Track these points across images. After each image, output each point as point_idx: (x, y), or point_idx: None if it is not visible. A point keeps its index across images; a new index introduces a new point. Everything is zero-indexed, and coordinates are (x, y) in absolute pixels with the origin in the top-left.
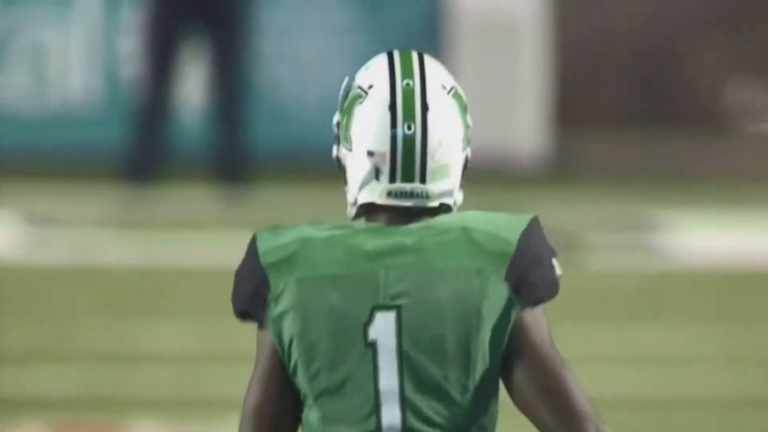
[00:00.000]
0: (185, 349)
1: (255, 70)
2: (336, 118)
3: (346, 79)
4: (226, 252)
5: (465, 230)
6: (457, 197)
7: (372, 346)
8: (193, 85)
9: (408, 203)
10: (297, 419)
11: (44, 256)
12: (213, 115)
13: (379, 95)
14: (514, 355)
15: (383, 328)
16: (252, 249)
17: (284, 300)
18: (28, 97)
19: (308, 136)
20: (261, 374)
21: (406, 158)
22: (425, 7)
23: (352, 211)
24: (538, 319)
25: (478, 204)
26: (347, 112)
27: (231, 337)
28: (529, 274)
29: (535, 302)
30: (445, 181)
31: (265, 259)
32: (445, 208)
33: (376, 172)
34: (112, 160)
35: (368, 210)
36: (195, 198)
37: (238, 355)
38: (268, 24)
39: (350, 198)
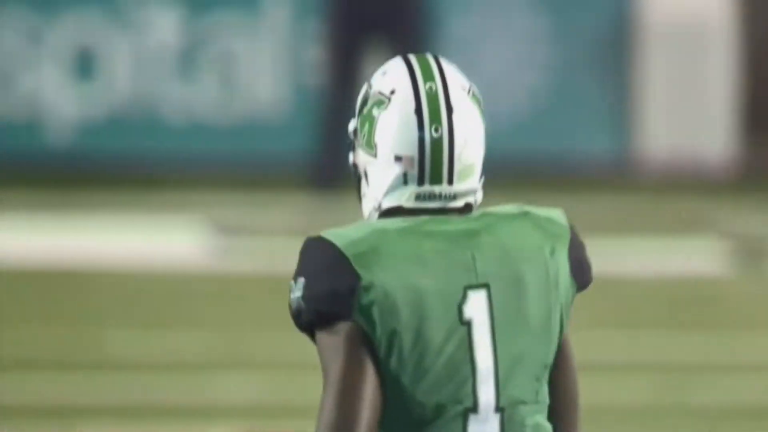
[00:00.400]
0: None
1: None
2: (353, 125)
3: (365, 86)
4: None
5: (526, 214)
6: (478, 195)
7: (467, 325)
8: None
9: (435, 205)
10: (378, 408)
11: (231, 264)
12: None
13: (403, 99)
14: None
15: (476, 306)
16: (326, 246)
17: (376, 288)
18: (216, 106)
19: (497, 146)
20: (342, 373)
21: (435, 161)
22: (612, 13)
23: (374, 216)
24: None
25: (672, 211)
26: (368, 118)
27: None
28: (581, 257)
29: (584, 285)
30: (469, 181)
31: (349, 250)
32: (468, 208)
33: (404, 177)
34: (298, 168)
35: (393, 215)
36: None
37: None
38: (454, 34)
39: (373, 204)
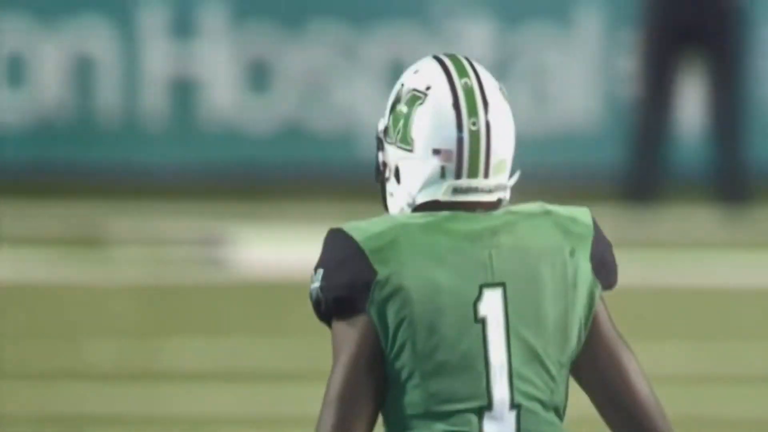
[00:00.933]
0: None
1: (751, 88)
2: (383, 124)
3: (398, 85)
4: (727, 272)
5: (548, 213)
6: (508, 193)
7: (482, 323)
8: (691, 105)
9: (472, 198)
10: (378, 405)
11: None
12: (712, 135)
13: (440, 94)
14: (589, 335)
15: (492, 304)
16: (344, 239)
17: (392, 283)
18: (529, 119)
19: None
20: (350, 359)
21: (472, 155)
22: None
23: (406, 211)
24: (605, 301)
25: None
26: (403, 114)
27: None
28: (605, 258)
29: (610, 285)
30: (503, 175)
31: (367, 245)
32: (498, 203)
33: (442, 170)
34: (611, 180)
35: (428, 209)
36: (695, 218)
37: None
38: (763, 42)
39: (405, 200)
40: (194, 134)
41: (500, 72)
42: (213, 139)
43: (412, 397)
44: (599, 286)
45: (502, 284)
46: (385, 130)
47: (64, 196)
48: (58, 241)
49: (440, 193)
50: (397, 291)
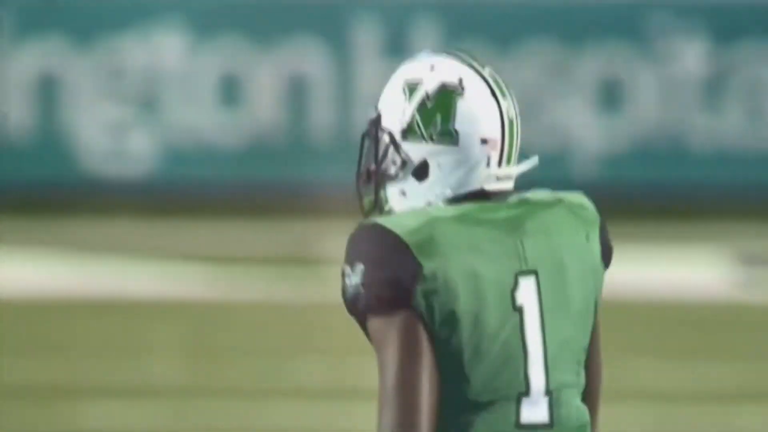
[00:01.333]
0: None
1: None
2: (398, 123)
3: (409, 86)
4: None
5: (560, 200)
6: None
7: (519, 311)
8: None
9: (506, 186)
10: (437, 395)
11: (757, 296)
12: None
13: (477, 86)
14: None
15: (527, 292)
16: (386, 233)
17: (437, 276)
18: (743, 136)
19: None
20: (403, 352)
21: (511, 142)
22: None
23: (437, 204)
24: None
25: None
26: (440, 109)
27: None
28: (608, 241)
29: (608, 265)
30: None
31: (409, 239)
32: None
33: (488, 159)
34: None
35: (456, 200)
36: None
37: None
38: None
39: (436, 193)
40: None
41: (714, 89)
42: None
43: (455, 387)
44: (603, 269)
45: (534, 272)
46: (408, 128)
47: (277, 215)
48: (272, 259)
49: (486, 181)
50: (443, 284)
